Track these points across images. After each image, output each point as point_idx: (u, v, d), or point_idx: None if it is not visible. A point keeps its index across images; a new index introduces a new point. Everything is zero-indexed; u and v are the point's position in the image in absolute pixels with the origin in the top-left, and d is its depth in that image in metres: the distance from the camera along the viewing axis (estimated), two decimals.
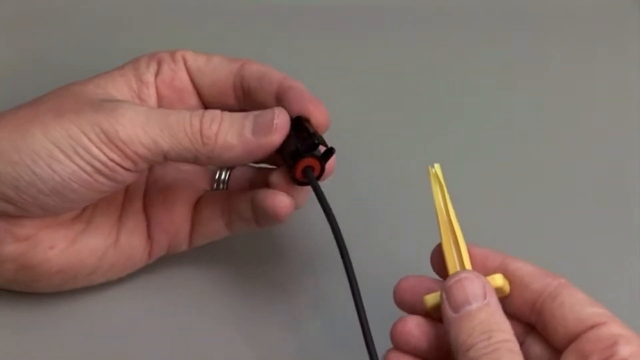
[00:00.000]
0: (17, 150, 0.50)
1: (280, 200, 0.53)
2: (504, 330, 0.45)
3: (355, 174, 0.63)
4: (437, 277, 0.50)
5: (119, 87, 0.54)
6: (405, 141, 0.66)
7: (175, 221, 0.56)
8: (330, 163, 0.52)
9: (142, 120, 0.50)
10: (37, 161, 0.50)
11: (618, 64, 0.71)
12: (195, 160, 0.52)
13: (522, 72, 0.70)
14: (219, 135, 0.51)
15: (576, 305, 0.46)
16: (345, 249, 0.50)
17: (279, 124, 0.51)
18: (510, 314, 0.47)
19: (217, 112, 0.52)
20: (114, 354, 0.55)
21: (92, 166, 0.50)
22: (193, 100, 0.56)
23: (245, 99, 0.55)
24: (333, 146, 0.52)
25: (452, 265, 0.49)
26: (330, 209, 0.51)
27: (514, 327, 0.46)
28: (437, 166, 0.50)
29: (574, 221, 0.62)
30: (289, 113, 0.52)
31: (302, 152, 0.51)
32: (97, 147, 0.50)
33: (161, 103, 0.55)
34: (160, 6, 0.72)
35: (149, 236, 0.56)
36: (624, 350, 0.44)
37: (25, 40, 0.70)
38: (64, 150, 0.50)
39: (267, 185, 0.54)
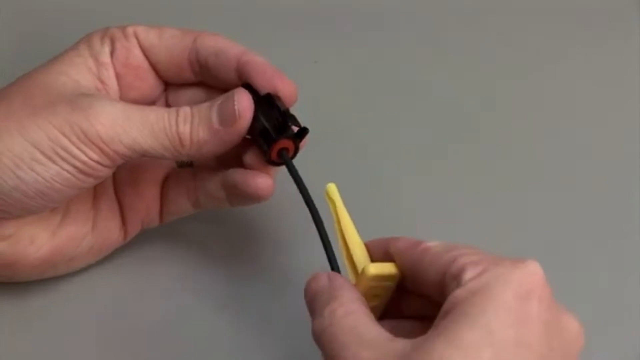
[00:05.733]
0: None
1: (262, 181, 0.53)
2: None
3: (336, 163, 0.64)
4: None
5: (80, 71, 0.53)
6: (387, 136, 0.66)
7: (145, 201, 0.56)
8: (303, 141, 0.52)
9: (121, 118, 0.51)
10: (20, 165, 0.50)
11: (618, 64, 0.71)
12: (176, 158, 0.52)
13: (521, 71, 0.70)
14: (192, 134, 0.51)
15: (434, 261, 0.46)
16: (322, 224, 0.50)
17: (241, 110, 0.51)
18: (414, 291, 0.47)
19: (188, 110, 0.52)
20: (83, 335, 0.56)
21: (73, 166, 0.50)
22: (150, 77, 0.55)
23: (203, 73, 0.55)
24: (306, 126, 0.52)
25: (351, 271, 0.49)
26: (305, 188, 0.51)
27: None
28: (331, 186, 0.50)
29: (565, 219, 0.62)
30: (255, 88, 0.52)
31: (277, 135, 0.51)
32: (78, 148, 0.50)
33: (120, 82, 0.55)
34: (159, 6, 0.73)
35: (123, 217, 0.56)
36: (467, 275, 0.43)
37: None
38: (45, 152, 0.50)
39: (236, 159, 0.54)
